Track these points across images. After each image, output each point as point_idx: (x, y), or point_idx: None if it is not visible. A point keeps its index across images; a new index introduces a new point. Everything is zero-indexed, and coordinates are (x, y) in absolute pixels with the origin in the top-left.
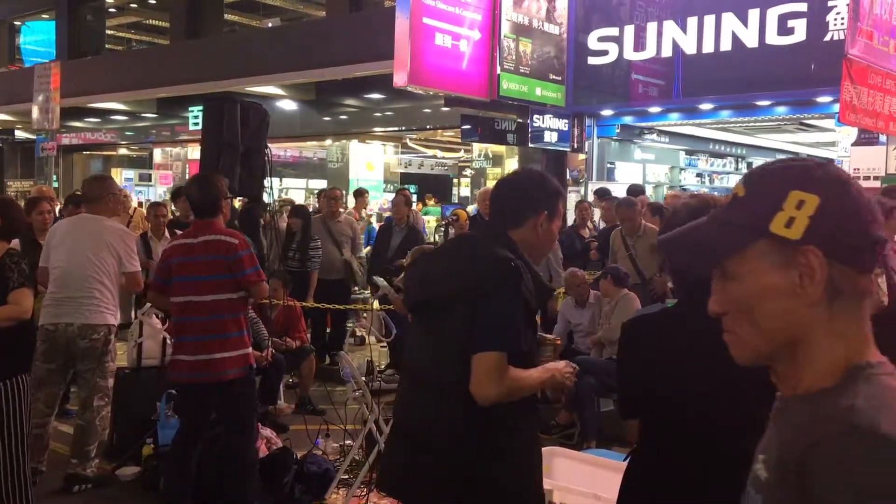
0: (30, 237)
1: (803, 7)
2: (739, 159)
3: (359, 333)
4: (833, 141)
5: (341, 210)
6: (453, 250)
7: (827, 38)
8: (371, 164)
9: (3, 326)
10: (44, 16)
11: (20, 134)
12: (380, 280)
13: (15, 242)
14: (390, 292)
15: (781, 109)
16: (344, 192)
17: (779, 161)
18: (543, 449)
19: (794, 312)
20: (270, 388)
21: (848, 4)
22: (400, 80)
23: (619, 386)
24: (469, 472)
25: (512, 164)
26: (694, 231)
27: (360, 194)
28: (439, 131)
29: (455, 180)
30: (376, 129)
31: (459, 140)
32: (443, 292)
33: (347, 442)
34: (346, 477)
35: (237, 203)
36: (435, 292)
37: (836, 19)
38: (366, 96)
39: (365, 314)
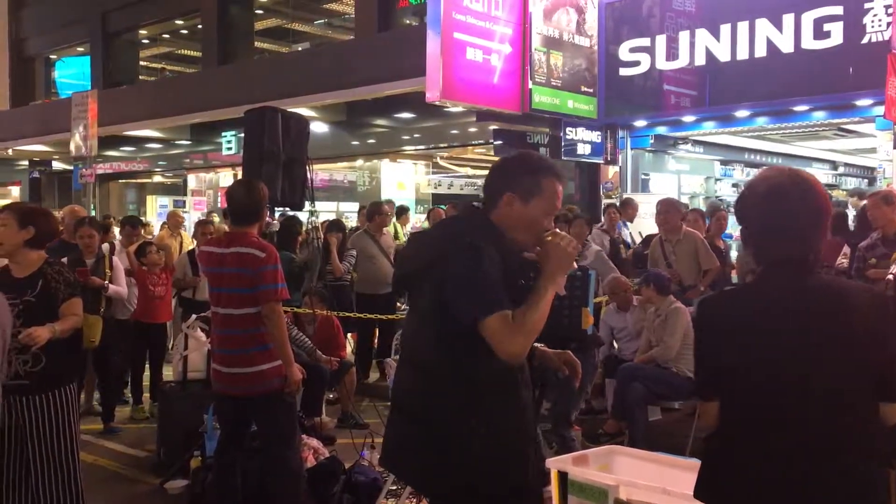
0: (77, 256)
1: (839, 10)
2: None
3: None
4: (872, 147)
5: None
6: (428, 231)
7: (864, 40)
8: (402, 183)
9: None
10: (79, 49)
11: (57, 164)
12: None
13: None
14: None
15: (819, 115)
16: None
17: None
18: (602, 448)
19: None
20: (314, 400)
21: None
22: (432, 95)
23: (698, 366)
24: (446, 442)
25: None
26: None
27: (403, 211)
28: (469, 149)
29: None
30: (407, 147)
31: (490, 157)
32: (410, 270)
33: None
34: (395, 488)
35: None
36: (405, 270)
37: (873, 21)
38: (396, 116)
39: None
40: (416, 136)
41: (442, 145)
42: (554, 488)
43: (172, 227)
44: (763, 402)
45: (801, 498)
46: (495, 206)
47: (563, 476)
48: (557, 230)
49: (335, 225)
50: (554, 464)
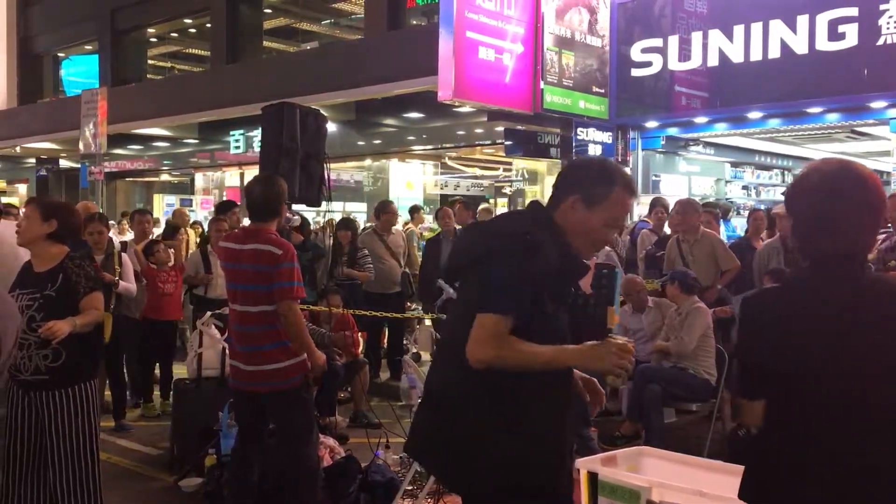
0: (86, 253)
1: (854, 12)
2: (786, 171)
3: (413, 350)
4: (887, 150)
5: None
6: (484, 224)
7: (880, 42)
8: (411, 183)
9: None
10: (86, 47)
11: (64, 163)
12: (444, 284)
13: None
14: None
15: (833, 117)
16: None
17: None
18: (631, 449)
19: None
20: (327, 399)
21: None
22: (445, 94)
23: (742, 365)
24: (475, 439)
25: (550, 181)
26: None
27: (416, 210)
28: (478, 150)
29: (491, 200)
30: (415, 147)
31: (498, 158)
32: (460, 262)
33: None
34: (411, 488)
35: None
36: (455, 262)
37: (888, 23)
38: (405, 115)
39: (418, 326)
40: (424, 136)
41: (451, 145)
42: (584, 489)
43: (138, 234)
44: (813, 402)
45: None
46: (558, 207)
47: (592, 476)
48: (629, 344)
49: (345, 223)
50: (583, 464)
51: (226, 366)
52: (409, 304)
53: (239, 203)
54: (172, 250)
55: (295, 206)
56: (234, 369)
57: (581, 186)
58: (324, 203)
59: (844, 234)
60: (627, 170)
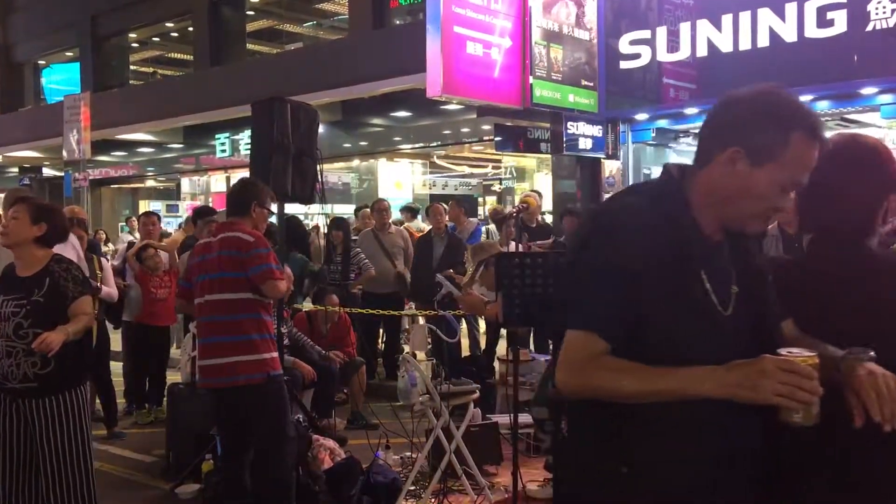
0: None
1: None
2: None
3: (406, 350)
4: (878, 137)
5: (391, 222)
6: (605, 201)
7: (869, 27)
8: (400, 183)
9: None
10: (67, 54)
11: (48, 171)
12: (444, 280)
13: None
14: (455, 291)
15: (823, 104)
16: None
17: None
18: None
19: None
20: (325, 400)
21: None
22: (433, 90)
23: None
24: (571, 480)
25: (539, 178)
26: None
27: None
28: (466, 147)
29: (480, 199)
30: (403, 147)
31: (487, 156)
32: (569, 251)
33: (408, 454)
34: (414, 488)
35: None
36: (567, 257)
37: (877, 8)
38: (392, 114)
39: (410, 325)
40: (412, 135)
41: (439, 144)
42: None
43: (143, 235)
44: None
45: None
46: (708, 163)
47: None
48: (801, 361)
49: (336, 223)
50: None
51: None
52: (407, 304)
53: (219, 211)
54: (164, 255)
55: (288, 207)
56: (201, 368)
57: (742, 133)
58: (320, 205)
59: (849, 206)
60: (616, 165)
